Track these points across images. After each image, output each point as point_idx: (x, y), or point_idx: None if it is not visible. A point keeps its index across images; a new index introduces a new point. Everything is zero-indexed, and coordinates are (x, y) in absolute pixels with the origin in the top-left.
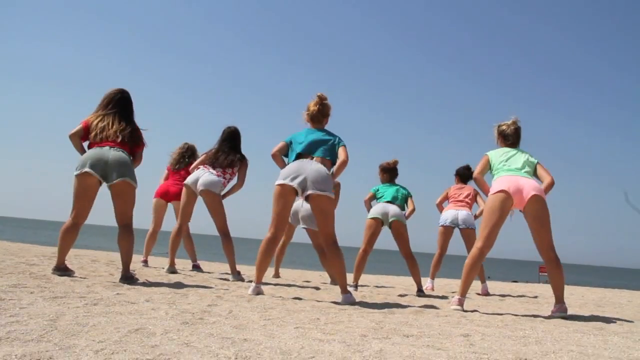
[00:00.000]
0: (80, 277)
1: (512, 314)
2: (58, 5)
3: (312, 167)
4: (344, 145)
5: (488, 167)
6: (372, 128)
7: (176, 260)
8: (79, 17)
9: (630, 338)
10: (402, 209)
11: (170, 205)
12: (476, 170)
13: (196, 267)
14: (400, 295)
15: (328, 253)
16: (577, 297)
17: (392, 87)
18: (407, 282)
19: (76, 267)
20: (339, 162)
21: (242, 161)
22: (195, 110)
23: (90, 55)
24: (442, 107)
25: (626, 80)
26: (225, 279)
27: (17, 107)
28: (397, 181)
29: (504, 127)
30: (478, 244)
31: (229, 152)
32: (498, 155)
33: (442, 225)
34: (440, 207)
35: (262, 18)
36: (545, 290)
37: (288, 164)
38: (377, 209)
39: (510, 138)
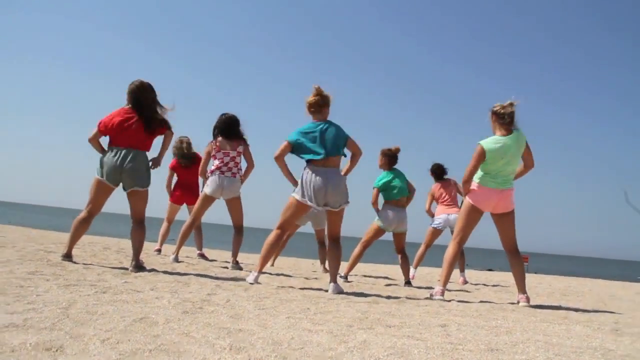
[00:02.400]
0: (93, 264)
1: (487, 302)
2: None
3: (334, 182)
4: (352, 138)
5: (480, 163)
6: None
7: (183, 249)
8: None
9: (591, 327)
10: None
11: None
12: (470, 167)
13: (201, 256)
14: (387, 285)
15: (330, 246)
16: (545, 286)
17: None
18: (395, 271)
19: (89, 254)
20: (354, 158)
21: (245, 145)
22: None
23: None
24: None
25: (623, 74)
26: (225, 267)
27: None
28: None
29: (498, 108)
30: (456, 239)
31: (231, 137)
32: (493, 152)
33: (434, 227)
34: (430, 213)
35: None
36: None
37: (305, 169)
38: (392, 220)
39: (507, 117)
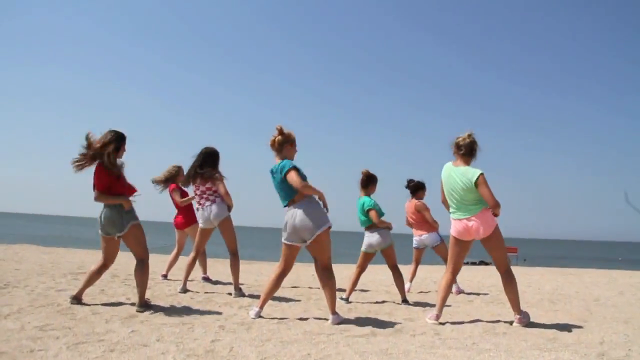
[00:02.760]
0: (101, 306)
1: (480, 322)
2: None
3: (295, 220)
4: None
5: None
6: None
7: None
8: None
9: (578, 353)
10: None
11: None
12: (441, 193)
13: (206, 279)
14: (383, 302)
15: (321, 277)
16: (534, 290)
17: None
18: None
19: (97, 289)
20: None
21: (216, 176)
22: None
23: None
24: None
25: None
26: (229, 293)
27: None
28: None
29: (459, 139)
30: (449, 269)
31: (204, 169)
32: (443, 176)
33: (415, 248)
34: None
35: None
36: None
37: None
38: (366, 242)
39: (463, 149)
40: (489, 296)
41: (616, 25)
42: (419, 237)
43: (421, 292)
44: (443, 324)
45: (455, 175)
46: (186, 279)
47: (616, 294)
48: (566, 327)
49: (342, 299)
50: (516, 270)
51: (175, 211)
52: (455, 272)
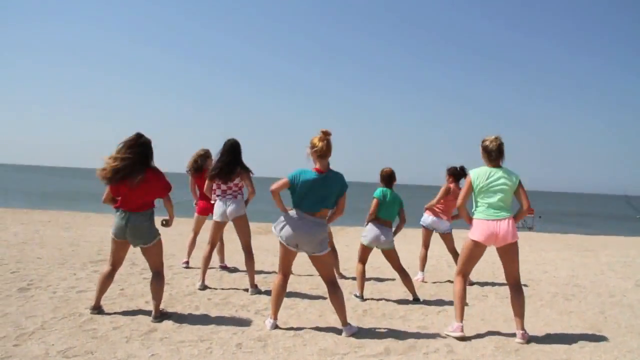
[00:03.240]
0: (121, 313)
1: (494, 335)
2: None
3: (307, 231)
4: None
5: (471, 191)
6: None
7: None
8: None
9: None
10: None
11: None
12: (460, 197)
13: (223, 267)
14: (399, 303)
15: (329, 291)
16: (550, 280)
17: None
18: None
19: (117, 287)
20: (338, 211)
21: (245, 173)
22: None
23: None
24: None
25: None
26: (246, 290)
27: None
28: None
29: (487, 143)
30: (460, 273)
31: (231, 166)
32: (480, 179)
33: (422, 225)
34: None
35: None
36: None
37: (292, 208)
38: (370, 236)
39: (494, 154)
40: (503, 289)
41: None
42: (434, 217)
43: (436, 282)
44: (462, 339)
45: (500, 175)
46: (204, 274)
47: (632, 285)
48: (579, 342)
49: (356, 296)
50: (533, 245)
51: (196, 196)
52: (466, 275)
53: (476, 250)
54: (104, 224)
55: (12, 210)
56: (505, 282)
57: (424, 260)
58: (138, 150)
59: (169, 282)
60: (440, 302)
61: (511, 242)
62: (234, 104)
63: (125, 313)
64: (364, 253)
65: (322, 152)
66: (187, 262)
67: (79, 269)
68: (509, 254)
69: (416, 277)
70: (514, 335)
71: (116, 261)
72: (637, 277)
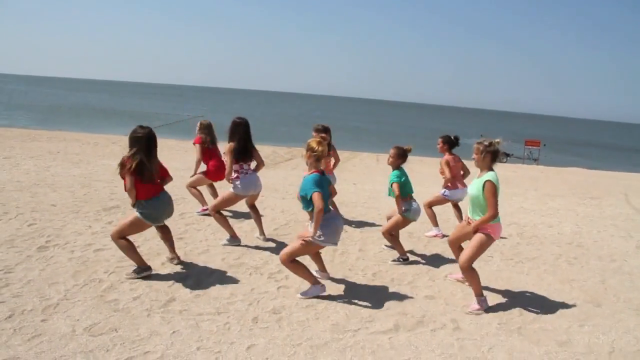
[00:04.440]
0: (141, 280)
1: (497, 313)
2: None
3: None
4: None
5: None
6: None
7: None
8: None
9: None
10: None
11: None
12: (492, 205)
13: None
14: (408, 265)
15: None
16: (554, 238)
17: None
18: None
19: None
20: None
21: (255, 150)
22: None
23: None
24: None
25: None
26: (258, 253)
27: None
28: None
29: (497, 146)
30: (468, 263)
31: (249, 146)
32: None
33: (445, 197)
34: (449, 180)
35: None
36: (525, 218)
37: None
38: (416, 211)
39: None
40: (508, 248)
41: None
42: (454, 190)
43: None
44: (482, 313)
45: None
46: (230, 227)
47: (633, 248)
48: (578, 319)
49: (400, 260)
50: (539, 189)
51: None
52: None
53: (489, 244)
54: (112, 155)
55: (19, 132)
56: (508, 240)
57: (434, 216)
58: None
59: (182, 237)
60: (450, 261)
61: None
62: (233, 19)
63: (144, 278)
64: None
65: (324, 155)
66: (206, 209)
67: (93, 220)
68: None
69: (429, 233)
70: (517, 308)
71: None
72: (639, 237)
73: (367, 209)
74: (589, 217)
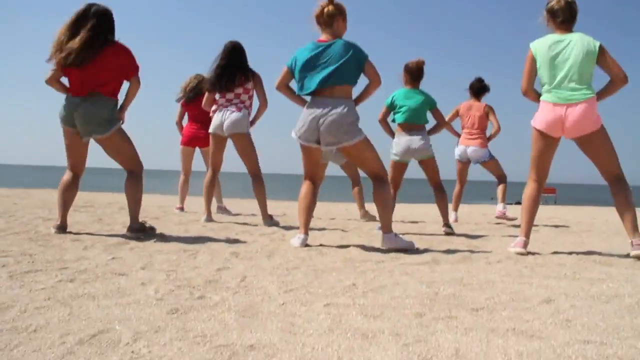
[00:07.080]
0: (88, 235)
1: (572, 253)
2: None
3: (326, 118)
4: (369, 60)
5: (535, 70)
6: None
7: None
8: None
9: None
10: (424, 122)
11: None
12: (523, 81)
13: (222, 210)
14: (431, 235)
15: (374, 188)
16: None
17: None
18: (433, 212)
19: (95, 219)
20: (368, 86)
21: (254, 77)
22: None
23: None
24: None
25: None
26: (255, 225)
27: None
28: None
29: (552, 3)
30: (533, 177)
31: (233, 70)
32: (545, 48)
33: (457, 160)
34: (450, 128)
35: None
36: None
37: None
38: (400, 148)
39: (561, 14)
40: (557, 224)
41: None
42: (465, 147)
43: (476, 223)
44: (526, 254)
45: (571, 40)
46: (209, 207)
47: None
48: None
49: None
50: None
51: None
52: (541, 179)
53: (542, 143)
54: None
55: None
56: (568, 223)
57: (458, 197)
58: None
59: (156, 217)
60: (484, 235)
61: (589, 132)
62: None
63: (97, 234)
64: (399, 173)
65: (321, 21)
66: (182, 208)
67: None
68: (592, 145)
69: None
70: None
71: (75, 164)
72: None
73: None
74: None
